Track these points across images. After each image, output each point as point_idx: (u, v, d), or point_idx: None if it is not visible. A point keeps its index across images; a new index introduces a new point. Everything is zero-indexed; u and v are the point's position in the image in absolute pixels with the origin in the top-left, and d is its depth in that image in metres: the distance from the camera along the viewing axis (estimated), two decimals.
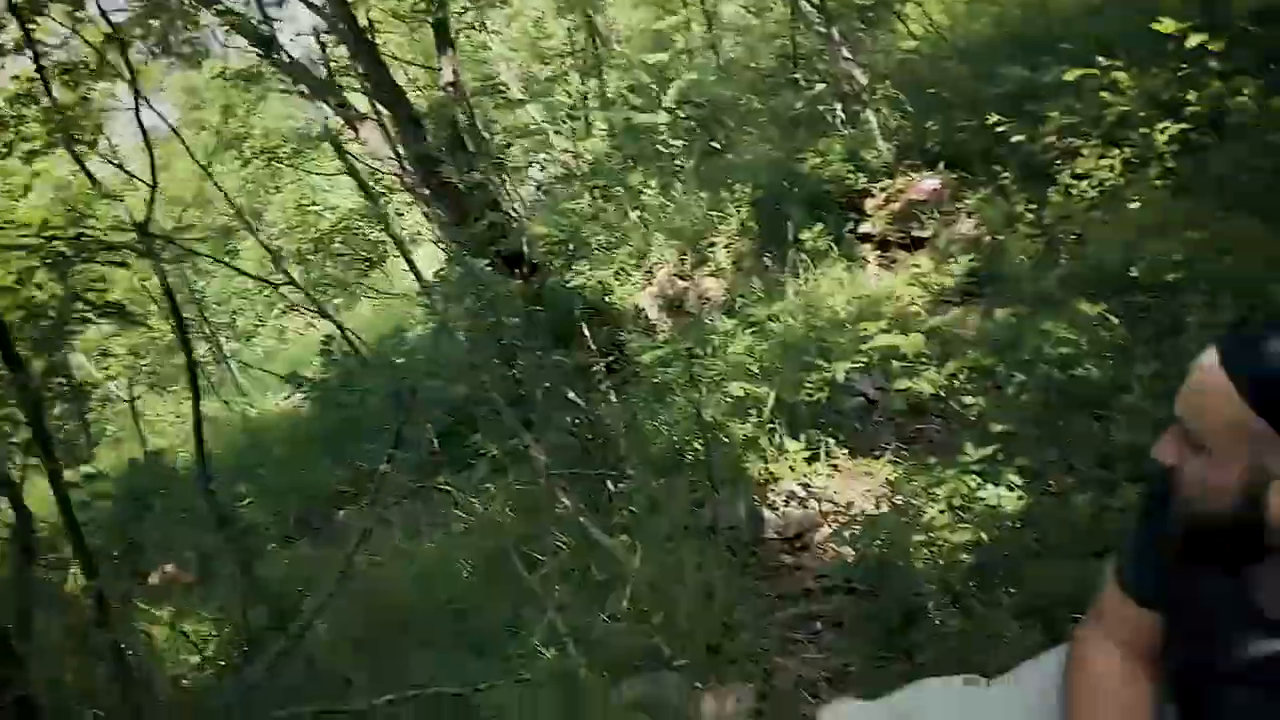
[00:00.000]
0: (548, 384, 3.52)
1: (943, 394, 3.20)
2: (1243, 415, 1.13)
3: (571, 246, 4.68)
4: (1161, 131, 4.15)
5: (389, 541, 4.53)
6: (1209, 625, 1.41)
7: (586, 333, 3.96)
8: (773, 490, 3.48)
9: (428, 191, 5.22)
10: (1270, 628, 1.29)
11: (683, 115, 3.73)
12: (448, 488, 4.53)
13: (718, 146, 5.59)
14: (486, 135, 4.85)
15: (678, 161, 3.44)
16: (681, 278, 6.39)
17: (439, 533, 4.43)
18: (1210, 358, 1.18)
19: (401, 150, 5.27)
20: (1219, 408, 1.16)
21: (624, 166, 3.78)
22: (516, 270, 4.71)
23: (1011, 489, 2.76)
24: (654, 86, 6.13)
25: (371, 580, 3.94)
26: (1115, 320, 3.21)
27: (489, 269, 4.29)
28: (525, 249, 4.43)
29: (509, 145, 4.80)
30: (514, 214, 5.37)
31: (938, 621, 2.53)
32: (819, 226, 5.32)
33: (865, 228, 5.67)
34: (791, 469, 3.51)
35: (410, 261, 3.48)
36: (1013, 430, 2.91)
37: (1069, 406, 3.06)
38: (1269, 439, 1.12)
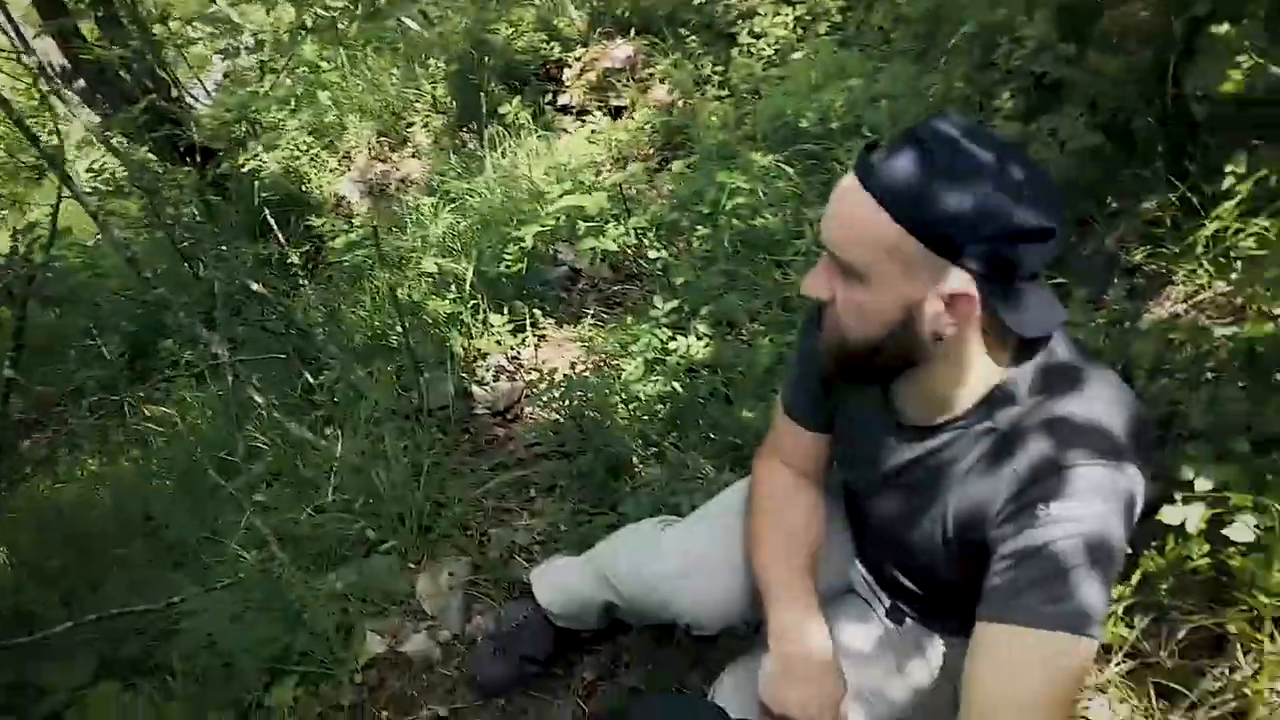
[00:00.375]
0: (234, 280, 3.26)
1: (630, 251, 3.26)
2: (888, 231, 1.15)
3: (250, 130, 4.34)
4: None
5: (82, 464, 4.21)
6: (863, 438, 1.53)
7: (273, 224, 3.69)
8: (481, 366, 3.46)
9: (84, 84, 4.65)
10: (908, 434, 1.42)
11: None
12: (140, 403, 4.22)
13: (406, 20, 5.31)
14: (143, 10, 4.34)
15: (342, 27, 3.22)
16: (381, 160, 6.13)
17: (135, 450, 4.14)
18: (848, 180, 1.20)
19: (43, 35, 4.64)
20: (864, 228, 1.17)
21: (294, 38, 3.50)
22: (190, 160, 4.31)
23: (700, 338, 2.87)
24: None
25: (60, 507, 3.64)
26: (789, 170, 3.38)
27: (155, 160, 3.90)
28: (195, 135, 4.04)
29: (166, 16, 4.31)
30: (187, 100, 4.88)
31: (640, 472, 2.63)
32: (516, 100, 5.24)
33: (564, 99, 5.64)
34: (498, 343, 3.49)
35: (50, 159, 3.06)
36: (693, 282, 3.01)
37: (751, 255, 3.22)
38: (916, 252, 1.16)
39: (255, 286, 3.05)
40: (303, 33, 3.54)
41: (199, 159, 4.34)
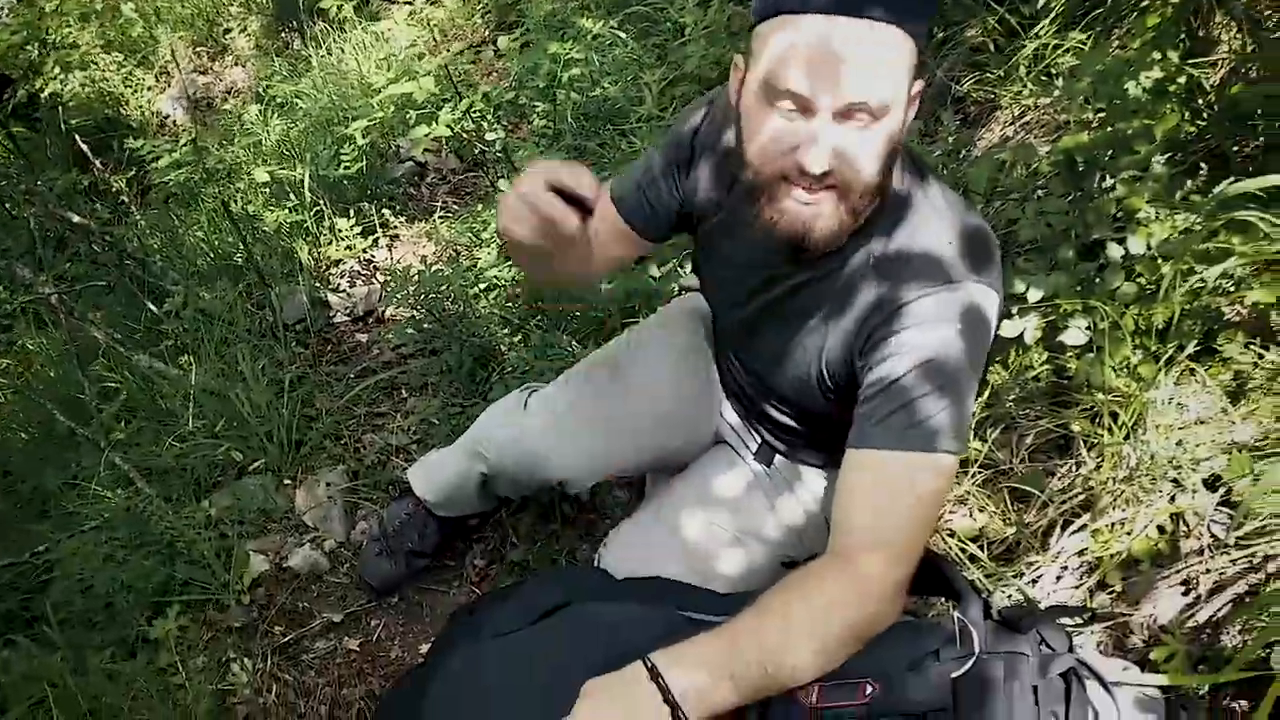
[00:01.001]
0: (50, 214, 3.05)
1: (469, 135, 3.17)
2: (906, 48, 1.12)
3: (47, 53, 4.00)
4: None
5: None
6: (744, 272, 1.52)
7: (88, 151, 3.45)
8: (334, 274, 3.36)
9: None
10: (794, 264, 1.41)
11: None
12: None
13: None
14: None
15: None
16: (202, 72, 5.77)
17: None
18: (851, 24, 1.10)
19: None
20: (894, 59, 1.12)
21: None
22: None
23: None
24: None
25: None
26: (623, 35, 3.31)
27: None
28: None
29: None
30: None
31: (507, 357, 2.61)
32: None
33: None
34: (349, 248, 3.38)
35: None
36: (542, 159, 2.96)
37: (594, 126, 3.17)
38: (914, 55, 1.14)
39: (76, 219, 2.86)
40: None
41: None
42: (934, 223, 1.29)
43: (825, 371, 1.42)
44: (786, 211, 1.21)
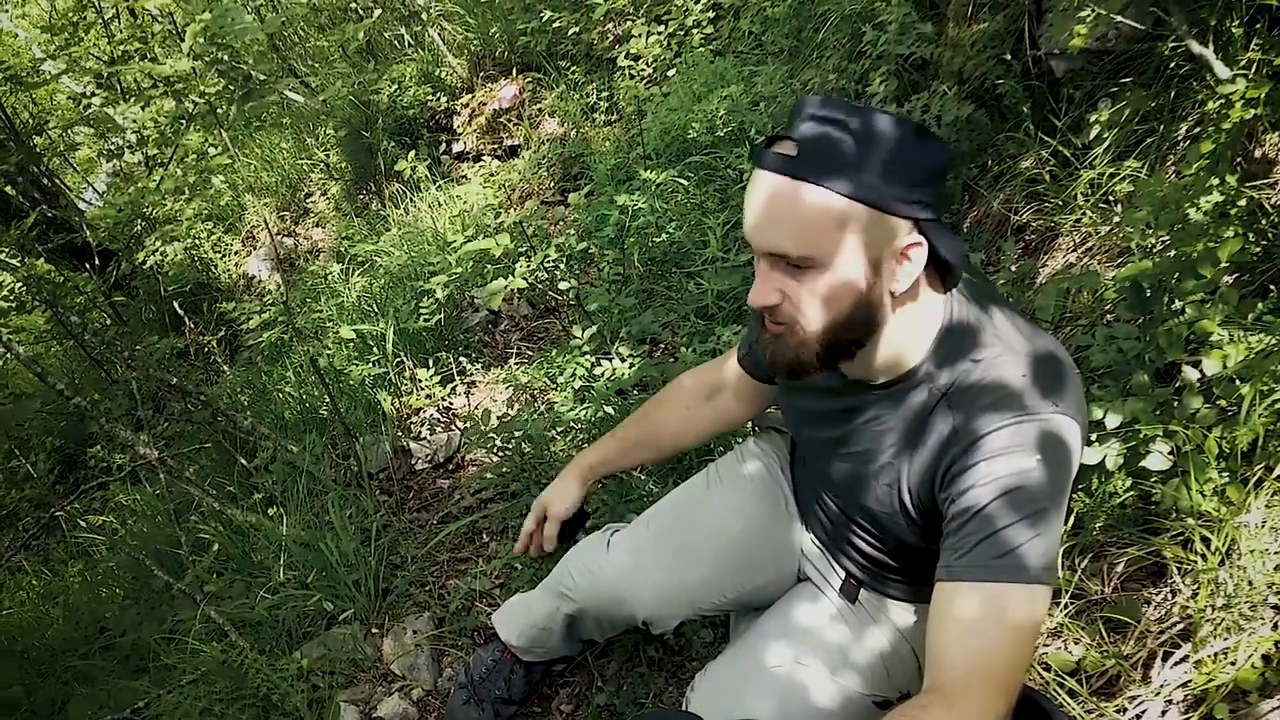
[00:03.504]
0: (150, 377, 3.22)
1: (543, 286, 3.30)
2: (836, 208, 1.18)
3: (146, 227, 4.29)
4: (695, 2, 4.47)
5: (27, 586, 4.12)
6: (816, 409, 1.58)
7: (182, 314, 3.66)
8: (415, 422, 3.46)
9: None
10: (861, 392, 1.46)
11: (209, 59, 3.46)
12: (77, 515, 4.14)
13: (289, 93, 5.30)
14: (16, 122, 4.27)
15: (221, 110, 3.21)
16: (287, 235, 6.09)
17: (79, 564, 4.06)
18: (766, 179, 1.21)
19: None
20: (809, 216, 1.19)
21: (176, 129, 3.48)
22: (87, 265, 4.25)
23: (623, 359, 2.92)
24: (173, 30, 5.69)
25: (11, 633, 3.57)
26: (684, 182, 3.45)
27: (53, 270, 3.84)
28: (89, 238, 3.99)
29: (43, 126, 4.26)
30: (77, 205, 4.81)
31: (588, 499, 2.64)
32: (411, 155, 5.25)
33: (458, 147, 5.67)
34: (429, 397, 3.50)
35: None
36: (608, 306, 3.06)
37: (660, 270, 3.28)
38: (867, 217, 1.19)
39: (173, 380, 3.02)
40: (183, 122, 3.52)
41: (97, 262, 4.29)
42: (1003, 353, 1.32)
43: (908, 499, 1.43)
44: (760, 341, 1.35)
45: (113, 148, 5.03)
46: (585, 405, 2.73)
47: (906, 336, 1.34)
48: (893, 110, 2.92)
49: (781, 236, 1.20)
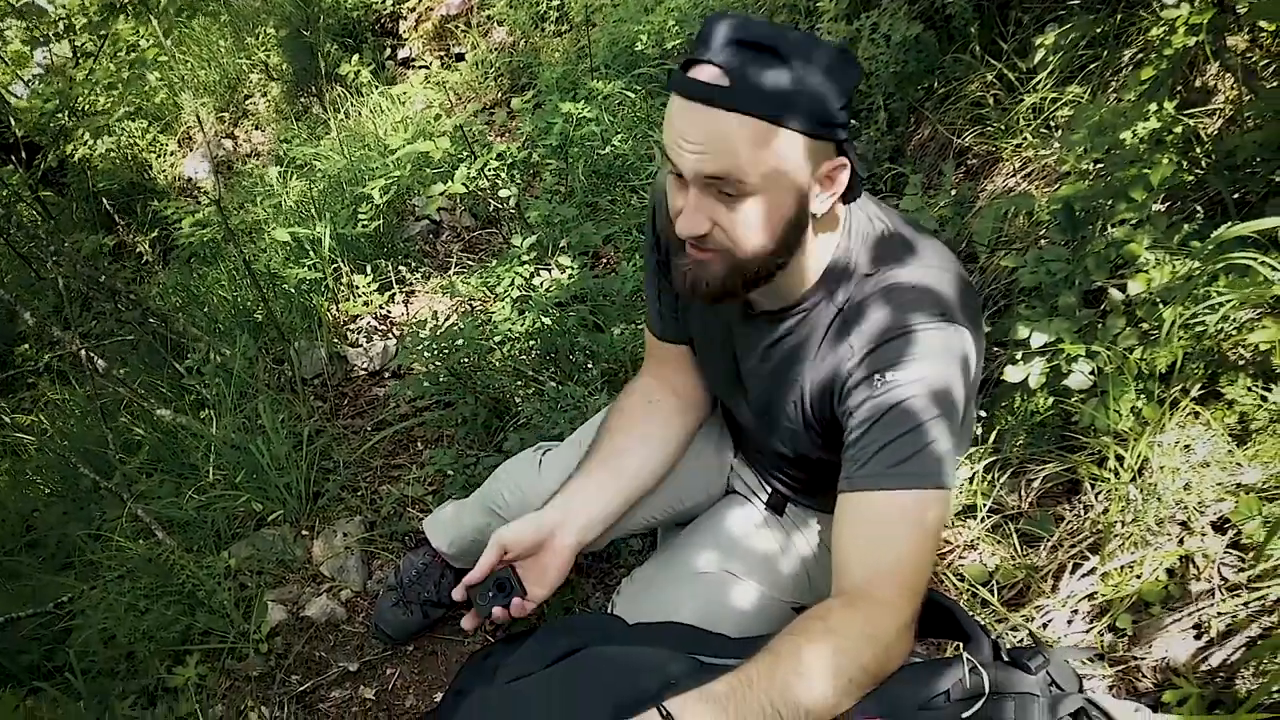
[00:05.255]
0: (78, 274, 3.13)
1: (484, 194, 3.24)
2: (768, 136, 1.16)
3: (76, 121, 4.12)
4: None
5: None
6: (716, 339, 1.59)
7: (113, 213, 3.54)
8: (352, 329, 3.41)
9: None
10: (760, 323, 1.47)
11: None
12: (5, 413, 4.04)
13: None
14: None
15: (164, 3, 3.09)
16: (226, 137, 5.92)
17: (5, 461, 3.98)
18: (688, 106, 1.18)
19: None
20: (742, 143, 1.16)
21: (105, 16, 3.32)
22: (13, 158, 4.09)
23: (563, 270, 2.89)
24: None
25: None
26: (632, 94, 3.39)
27: None
28: (15, 130, 3.82)
29: None
30: (4, 98, 4.61)
31: (521, 409, 2.65)
32: (355, 58, 5.09)
33: (404, 52, 5.53)
34: (366, 304, 3.45)
35: None
36: (549, 216, 3.02)
37: (604, 183, 3.24)
38: (801, 143, 1.18)
39: (101, 278, 2.93)
40: (112, 6, 3.36)
41: (24, 156, 4.12)
42: (938, 262, 1.33)
43: (810, 413, 1.45)
44: (678, 269, 1.33)
45: (39, 37, 4.81)
46: (524, 316, 2.71)
47: (813, 258, 1.35)
48: (842, 30, 2.89)
49: (719, 166, 1.18)
